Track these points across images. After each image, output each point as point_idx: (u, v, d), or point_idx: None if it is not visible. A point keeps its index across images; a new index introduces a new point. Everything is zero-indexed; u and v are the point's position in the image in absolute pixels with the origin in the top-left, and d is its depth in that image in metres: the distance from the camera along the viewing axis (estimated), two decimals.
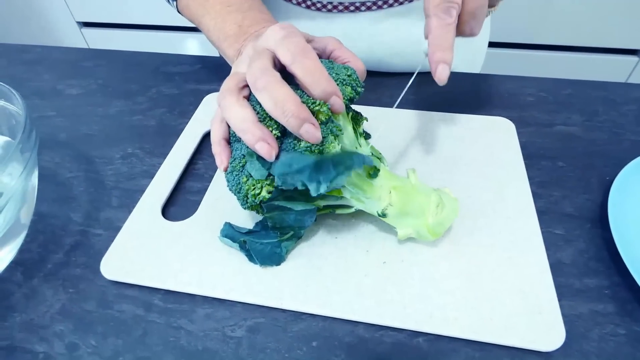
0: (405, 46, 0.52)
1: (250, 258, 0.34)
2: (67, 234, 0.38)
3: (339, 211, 0.34)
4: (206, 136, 0.46)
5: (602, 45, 1.38)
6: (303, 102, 0.28)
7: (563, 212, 0.38)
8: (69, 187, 0.42)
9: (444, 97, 0.50)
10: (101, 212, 0.40)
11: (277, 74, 0.28)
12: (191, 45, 1.67)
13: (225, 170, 0.32)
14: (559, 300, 0.32)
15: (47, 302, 0.33)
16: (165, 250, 0.35)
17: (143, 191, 0.40)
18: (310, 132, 0.27)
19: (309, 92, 0.28)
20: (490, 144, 0.43)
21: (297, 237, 0.35)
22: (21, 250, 0.37)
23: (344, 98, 0.30)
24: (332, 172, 0.28)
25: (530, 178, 0.41)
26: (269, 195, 0.30)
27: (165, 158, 0.43)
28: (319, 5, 0.50)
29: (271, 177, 0.30)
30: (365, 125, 0.41)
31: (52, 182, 0.43)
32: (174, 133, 0.47)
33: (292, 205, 0.31)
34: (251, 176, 0.30)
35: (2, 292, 0.34)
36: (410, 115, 0.47)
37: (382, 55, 0.53)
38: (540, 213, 0.38)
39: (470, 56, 0.62)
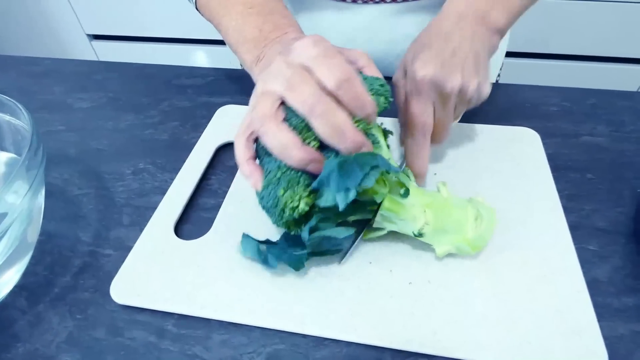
0: None
1: (265, 262, 0.32)
2: (75, 254, 0.36)
3: (369, 235, 0.32)
4: (219, 150, 0.45)
5: (621, 55, 1.37)
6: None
7: (595, 227, 0.36)
8: (78, 205, 0.41)
9: None
10: (111, 231, 0.38)
11: (331, 100, 0.27)
12: (202, 58, 1.68)
13: (259, 187, 0.30)
14: (598, 321, 0.30)
15: (53, 330, 0.31)
16: (178, 271, 0.33)
17: (155, 208, 0.39)
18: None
19: (354, 114, 0.28)
20: (515, 155, 0.42)
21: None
22: (26, 273, 0.35)
23: (378, 108, 0.30)
24: (359, 174, 0.27)
25: (559, 191, 0.39)
26: (307, 207, 0.28)
27: (177, 173, 0.42)
28: None
29: (305, 179, 0.29)
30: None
31: (60, 199, 0.41)
32: (186, 147, 0.45)
33: (337, 233, 0.30)
34: (289, 188, 0.28)
35: (5, 320, 0.32)
36: None
37: (402, 49, 0.52)
38: (572, 228, 0.36)
39: None
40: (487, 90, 0.36)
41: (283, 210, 0.29)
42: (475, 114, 0.47)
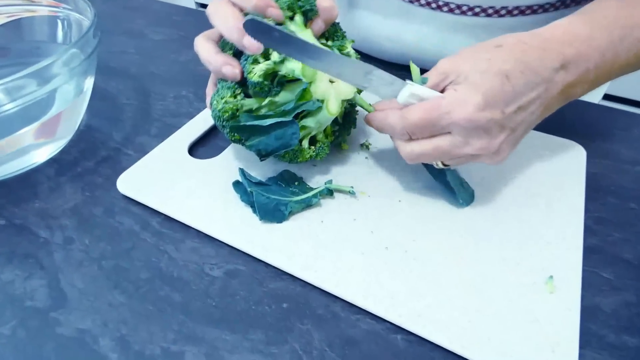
0: None
1: (254, 210, 0.33)
2: (104, 147, 0.40)
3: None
4: None
5: None
6: None
7: (618, 256, 0.32)
8: (121, 111, 0.45)
9: None
10: (138, 136, 0.42)
11: (228, 1, 0.31)
12: None
13: (241, 74, 0.31)
14: (583, 348, 0.26)
15: (64, 198, 0.35)
16: (177, 181, 0.36)
17: (181, 127, 0.41)
18: (252, 41, 0.29)
19: (244, 9, 0.31)
20: (550, 164, 0.38)
21: (307, 204, 0.33)
22: (62, 151, 0.40)
23: (282, 6, 0.31)
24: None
25: (588, 211, 0.35)
26: (230, 106, 0.31)
27: None
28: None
29: (235, 89, 0.31)
30: None
31: (110, 103, 0.46)
32: None
33: (261, 122, 0.31)
34: (218, 95, 0.31)
35: (34, 181, 0.37)
36: None
37: None
38: (589, 250, 0.32)
39: None
40: (504, 160, 0.31)
41: (219, 117, 0.32)
42: None
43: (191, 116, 0.44)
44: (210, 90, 0.36)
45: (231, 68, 0.31)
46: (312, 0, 0.32)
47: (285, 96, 0.32)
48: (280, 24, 0.31)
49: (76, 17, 0.41)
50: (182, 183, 0.35)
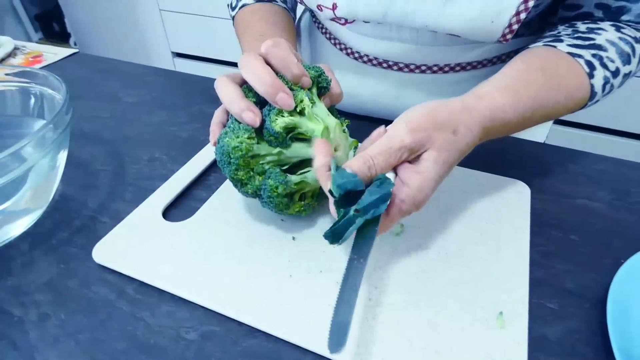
0: None
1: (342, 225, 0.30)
2: (79, 217, 0.42)
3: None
4: None
5: None
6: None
7: (562, 287, 0.35)
8: (96, 178, 0.47)
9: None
10: (113, 203, 0.43)
11: (260, 58, 0.34)
12: None
13: (215, 144, 0.35)
14: None
15: (38, 273, 0.36)
16: (152, 245, 0.37)
17: (154, 191, 0.43)
18: (284, 99, 0.32)
19: (280, 71, 0.34)
20: (497, 202, 0.42)
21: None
22: (36, 224, 0.41)
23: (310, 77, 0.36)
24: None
25: (534, 245, 0.38)
26: (244, 145, 0.34)
27: (184, 166, 0.47)
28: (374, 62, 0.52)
29: (252, 132, 0.34)
30: None
31: (84, 171, 0.48)
32: (200, 146, 0.51)
33: (354, 225, 0.31)
34: (232, 133, 0.34)
35: (6, 257, 0.38)
36: None
37: None
38: (535, 282, 0.35)
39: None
40: (422, 206, 0.33)
41: (227, 153, 0.34)
42: (474, 161, 0.48)
43: (165, 178, 0.46)
44: (215, 128, 0.38)
45: (252, 115, 0.33)
46: (329, 81, 0.38)
47: (293, 151, 0.36)
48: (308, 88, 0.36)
49: (48, 91, 0.43)
50: (156, 248, 0.37)
